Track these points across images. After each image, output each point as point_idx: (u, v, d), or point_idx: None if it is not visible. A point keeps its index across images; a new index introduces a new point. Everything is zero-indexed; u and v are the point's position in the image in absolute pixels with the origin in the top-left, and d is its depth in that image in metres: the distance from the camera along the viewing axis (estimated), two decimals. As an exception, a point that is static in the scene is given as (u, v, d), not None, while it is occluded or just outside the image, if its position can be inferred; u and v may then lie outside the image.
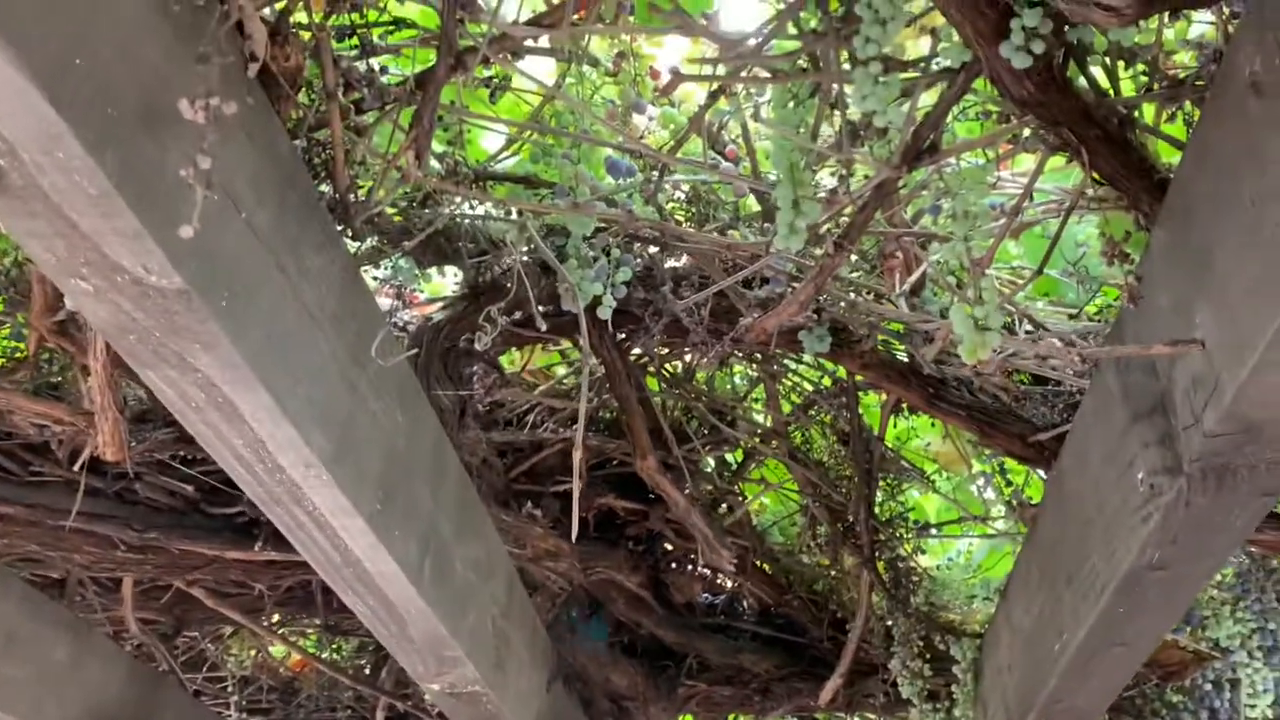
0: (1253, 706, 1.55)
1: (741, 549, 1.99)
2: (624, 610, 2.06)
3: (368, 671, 2.51)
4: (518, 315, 1.58)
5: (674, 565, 2.24)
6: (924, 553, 2.00)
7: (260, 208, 0.89)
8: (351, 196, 1.05)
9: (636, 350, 1.75)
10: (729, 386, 1.92)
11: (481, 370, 1.56)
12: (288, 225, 0.94)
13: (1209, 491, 0.98)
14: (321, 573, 1.26)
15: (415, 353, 1.35)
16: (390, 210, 1.23)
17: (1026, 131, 0.99)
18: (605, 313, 1.21)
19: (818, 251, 1.14)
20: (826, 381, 1.78)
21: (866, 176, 0.97)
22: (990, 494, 1.84)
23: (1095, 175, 0.94)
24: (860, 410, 1.78)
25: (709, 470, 1.93)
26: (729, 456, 2.02)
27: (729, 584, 2.33)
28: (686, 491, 1.73)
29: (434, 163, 1.33)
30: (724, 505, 2.04)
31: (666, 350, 1.73)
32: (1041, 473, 1.72)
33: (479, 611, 1.49)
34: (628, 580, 1.96)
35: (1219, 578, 1.64)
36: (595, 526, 1.94)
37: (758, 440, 1.84)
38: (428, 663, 1.47)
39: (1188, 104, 0.99)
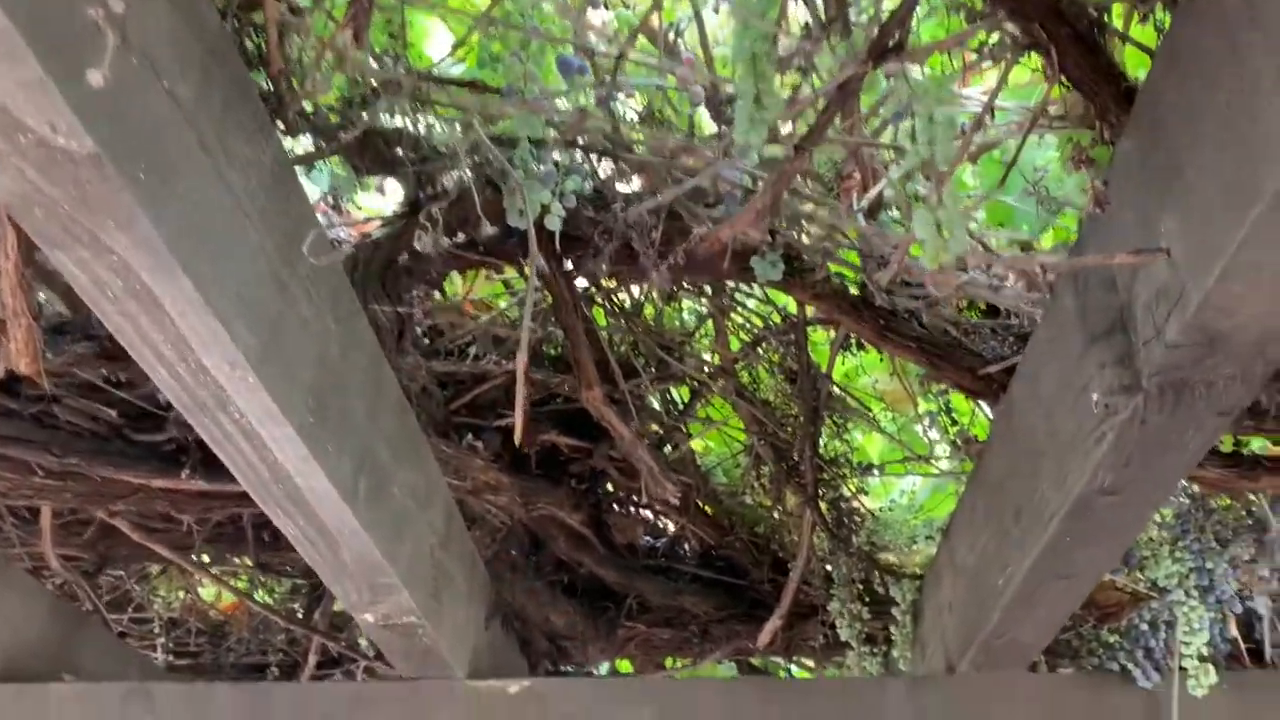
0: (1188, 644, 1.56)
1: (685, 487, 1.96)
2: (565, 549, 2.02)
3: (300, 615, 2.46)
4: (460, 237, 1.53)
5: (616, 506, 2.21)
6: (866, 494, 1.99)
7: (183, 80, 0.83)
8: (285, 83, 0.98)
9: (584, 282, 1.71)
10: (677, 323, 1.88)
11: (422, 292, 1.50)
12: (213, 104, 0.88)
13: (1166, 409, 0.97)
14: (250, 490, 1.21)
15: (349, 256, 1.29)
16: (327, 109, 1.17)
17: (994, 37, 0.96)
18: (554, 223, 1.16)
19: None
20: (776, 318, 1.75)
21: (831, 75, 0.93)
22: (935, 434, 1.83)
23: (1063, 79, 0.91)
24: (809, 348, 1.75)
25: (655, 408, 1.90)
26: (675, 394, 1.99)
27: (671, 527, 2.31)
28: (632, 426, 1.70)
29: (374, 64, 1.26)
30: (669, 445, 2.01)
31: (615, 282, 1.68)
32: (989, 412, 1.72)
33: (416, 539, 1.45)
34: (569, 518, 1.92)
35: (1158, 517, 1.65)
36: (538, 463, 1.89)
37: (705, 375, 1.81)
38: (361, 590, 1.42)
39: (1159, 8, 0.96)
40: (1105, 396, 1.01)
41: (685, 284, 1.63)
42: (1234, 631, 1.70)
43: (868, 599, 2.12)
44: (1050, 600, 1.40)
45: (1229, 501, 1.69)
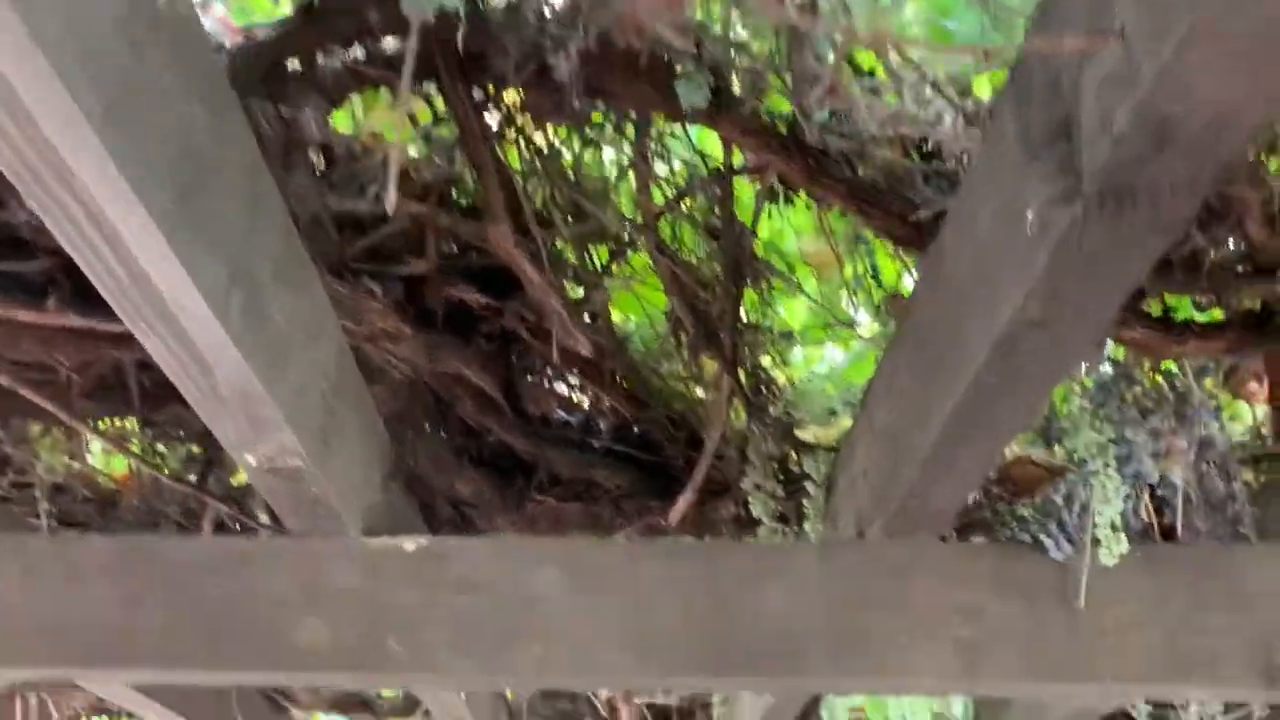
0: (1102, 513, 1.53)
1: (599, 352, 1.88)
2: (472, 412, 1.93)
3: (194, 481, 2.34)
4: (359, 53, 1.41)
5: (530, 376, 2.13)
6: (787, 365, 1.93)
7: None
8: None
9: (495, 121, 1.60)
10: (597, 175, 1.77)
11: (314, 105, 1.37)
12: None
13: (1106, 220, 0.90)
14: (110, 298, 1.09)
15: (229, 58, 1.16)
16: None
17: None
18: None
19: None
20: (701, 168, 1.66)
21: None
22: (860, 300, 1.76)
23: None
24: (734, 204, 1.67)
25: (570, 262, 1.80)
26: (593, 256, 1.89)
27: (586, 403, 2.24)
28: (546, 276, 1.61)
29: None
30: (587, 315, 1.92)
31: (527, 115, 1.57)
32: (915, 273, 1.65)
33: (302, 373, 1.34)
34: (477, 378, 1.82)
35: (1080, 387, 1.61)
36: (446, 320, 1.79)
37: (625, 229, 1.71)
38: (240, 425, 1.32)
39: None
40: (1042, 211, 0.94)
41: (603, 113, 1.52)
42: (1148, 507, 1.69)
43: (782, 477, 2.08)
44: (968, 458, 1.36)
45: (1155, 378, 1.65)
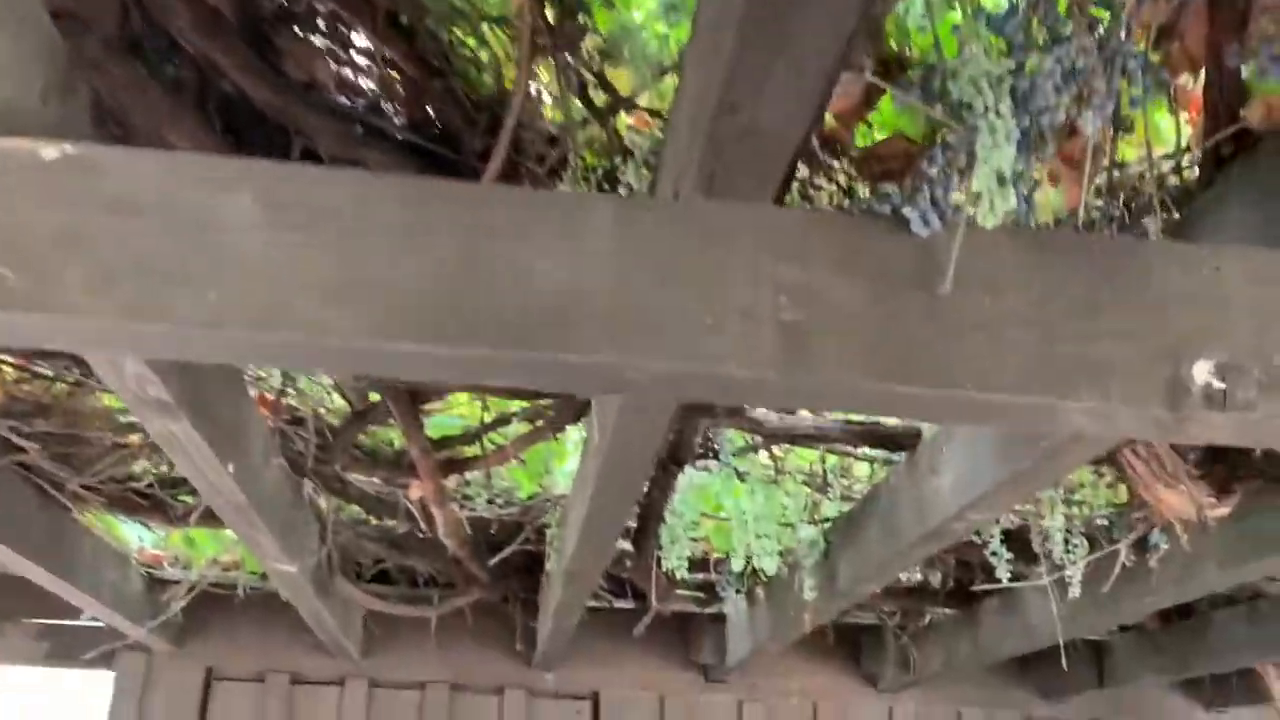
0: (986, 162, 1.15)
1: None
2: (193, 35, 1.45)
3: None
4: None
5: (295, 28, 1.66)
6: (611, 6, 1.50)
7: None
8: None
9: None
10: None
11: None
12: None
13: None
14: None
15: None
16: None
17: None
18: None
19: None
20: None
21: None
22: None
23: None
24: None
25: None
26: None
27: (370, 83, 1.79)
28: None
29: None
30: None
31: None
32: None
33: None
34: (188, -32, 1.35)
35: (977, 28, 1.21)
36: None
37: None
38: None
39: None
40: None
41: None
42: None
43: (606, 185, 1.68)
44: (802, 27, 0.95)
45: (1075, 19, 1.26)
